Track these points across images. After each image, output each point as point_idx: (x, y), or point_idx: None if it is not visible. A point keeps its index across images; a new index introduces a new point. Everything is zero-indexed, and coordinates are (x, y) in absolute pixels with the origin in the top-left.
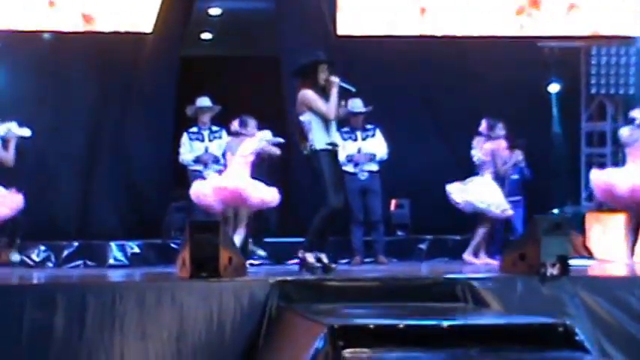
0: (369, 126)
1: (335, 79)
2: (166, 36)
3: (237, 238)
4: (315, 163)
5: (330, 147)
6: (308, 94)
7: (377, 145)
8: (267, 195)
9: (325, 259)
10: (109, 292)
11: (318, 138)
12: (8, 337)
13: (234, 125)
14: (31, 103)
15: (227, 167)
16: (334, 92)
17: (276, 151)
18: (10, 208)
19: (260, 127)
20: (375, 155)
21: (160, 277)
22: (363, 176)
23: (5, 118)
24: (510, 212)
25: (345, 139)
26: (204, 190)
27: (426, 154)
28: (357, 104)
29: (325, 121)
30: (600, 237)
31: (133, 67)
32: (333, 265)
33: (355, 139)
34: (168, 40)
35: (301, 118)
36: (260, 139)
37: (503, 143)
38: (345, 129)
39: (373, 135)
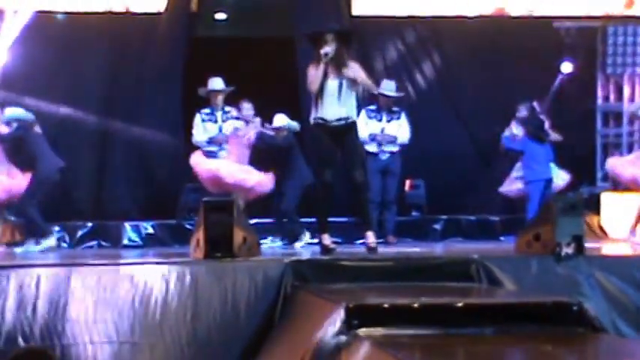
0: (395, 109)
1: (322, 51)
2: (178, 16)
3: None
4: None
5: (319, 121)
6: (309, 67)
7: (401, 129)
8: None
9: (371, 238)
10: (123, 272)
11: (312, 112)
12: (24, 318)
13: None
14: (43, 84)
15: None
16: (320, 65)
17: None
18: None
19: (275, 109)
20: (396, 138)
21: (174, 257)
22: (384, 156)
23: (18, 99)
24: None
25: (370, 118)
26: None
27: (441, 134)
28: (389, 87)
29: (316, 95)
30: (615, 217)
31: (145, 47)
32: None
33: (380, 120)
34: (180, 20)
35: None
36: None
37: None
38: (372, 107)
39: (398, 118)
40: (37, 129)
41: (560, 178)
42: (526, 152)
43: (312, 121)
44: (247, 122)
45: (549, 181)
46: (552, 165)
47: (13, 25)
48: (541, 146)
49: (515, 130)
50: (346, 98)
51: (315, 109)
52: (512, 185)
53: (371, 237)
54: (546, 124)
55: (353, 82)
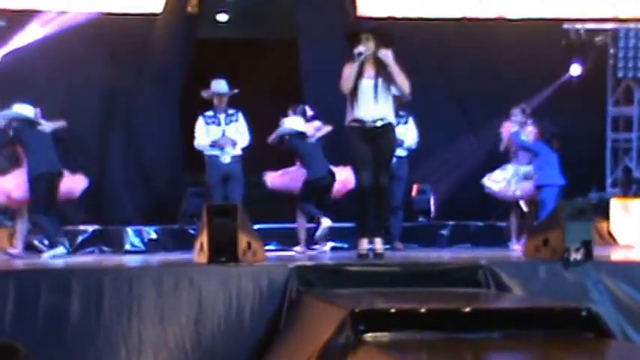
0: (402, 113)
1: (355, 50)
2: (176, 17)
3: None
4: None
5: (353, 124)
6: (345, 66)
7: (408, 133)
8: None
9: (379, 244)
10: (126, 276)
11: (347, 114)
12: (24, 322)
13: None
14: (42, 85)
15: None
16: (354, 64)
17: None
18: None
19: (277, 111)
20: (403, 142)
21: (178, 262)
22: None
23: (16, 100)
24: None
25: None
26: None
27: (449, 139)
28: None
29: (351, 95)
30: (625, 223)
31: (144, 49)
32: (382, 251)
33: None
34: (179, 21)
35: None
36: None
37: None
38: None
39: (405, 122)
40: (42, 127)
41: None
42: (541, 155)
43: (347, 123)
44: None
45: (562, 187)
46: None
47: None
48: (554, 152)
49: (528, 131)
50: (383, 99)
51: (351, 109)
52: (496, 185)
53: (378, 243)
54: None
55: (388, 80)
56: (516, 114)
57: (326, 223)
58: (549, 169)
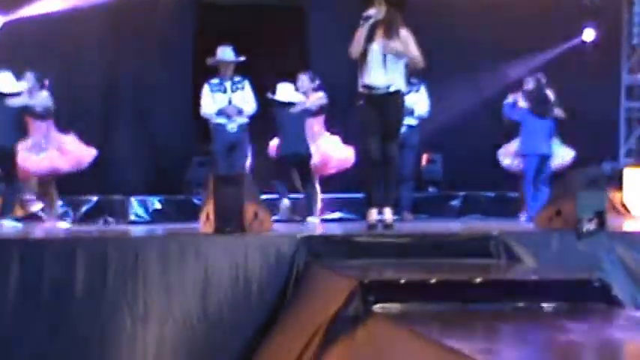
0: (414, 80)
1: (364, 14)
2: None
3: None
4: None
5: (362, 90)
6: (357, 30)
7: (419, 101)
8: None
9: (388, 214)
10: (131, 247)
11: (358, 80)
12: (29, 293)
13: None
14: (45, 54)
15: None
16: (361, 29)
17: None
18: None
19: (284, 79)
20: (413, 111)
21: (183, 232)
22: (402, 130)
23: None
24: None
25: None
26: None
27: (460, 107)
28: None
29: (360, 61)
30: (638, 193)
31: (151, 17)
32: (391, 222)
33: None
34: None
35: None
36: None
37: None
38: None
39: (417, 90)
40: (9, 101)
41: (565, 155)
42: (524, 125)
43: (358, 88)
44: (306, 94)
45: (546, 157)
46: (556, 142)
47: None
48: (541, 121)
49: (521, 102)
50: (392, 65)
51: (361, 75)
52: (514, 160)
53: (388, 213)
54: (552, 98)
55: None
56: (528, 82)
57: (285, 203)
58: (532, 138)
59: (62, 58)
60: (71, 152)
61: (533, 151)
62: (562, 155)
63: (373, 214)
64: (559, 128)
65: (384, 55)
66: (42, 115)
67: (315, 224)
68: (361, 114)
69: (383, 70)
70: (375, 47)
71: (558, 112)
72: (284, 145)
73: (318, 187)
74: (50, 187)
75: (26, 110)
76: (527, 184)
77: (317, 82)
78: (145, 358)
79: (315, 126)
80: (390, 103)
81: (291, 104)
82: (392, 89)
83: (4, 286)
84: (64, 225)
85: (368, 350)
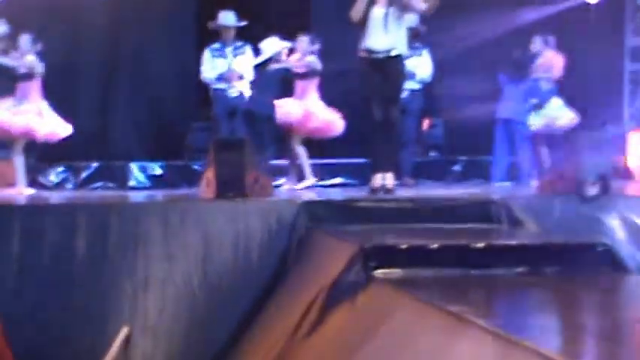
0: (417, 44)
1: None
2: None
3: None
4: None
5: (363, 54)
6: None
7: (421, 65)
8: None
9: (389, 180)
10: (132, 212)
11: (359, 44)
12: (30, 259)
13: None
14: (44, 17)
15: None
16: None
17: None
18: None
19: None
20: (415, 75)
21: (184, 197)
22: (404, 94)
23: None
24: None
25: None
26: (294, 114)
27: (460, 70)
28: (408, 19)
29: (361, 24)
30: None
31: None
32: (392, 187)
33: None
34: None
35: None
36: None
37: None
38: None
39: (420, 54)
40: None
41: (566, 117)
42: (503, 88)
43: (359, 52)
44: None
45: (513, 122)
46: (559, 103)
47: None
48: (515, 86)
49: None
50: (394, 28)
51: (362, 39)
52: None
53: (389, 178)
54: (538, 62)
55: (402, 8)
56: (535, 41)
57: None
58: (503, 103)
59: (63, 23)
60: (49, 119)
61: (500, 116)
62: (568, 117)
63: (378, 179)
64: (560, 90)
65: (386, 19)
66: (24, 77)
67: (307, 188)
68: (362, 78)
69: (384, 34)
70: (377, 11)
71: (538, 73)
72: (251, 101)
73: (300, 149)
74: (17, 152)
75: (9, 70)
76: (499, 149)
77: (317, 45)
78: (146, 324)
79: (305, 88)
80: (392, 67)
81: (270, 60)
82: (393, 53)
83: (5, 252)
84: (28, 191)
85: (369, 315)
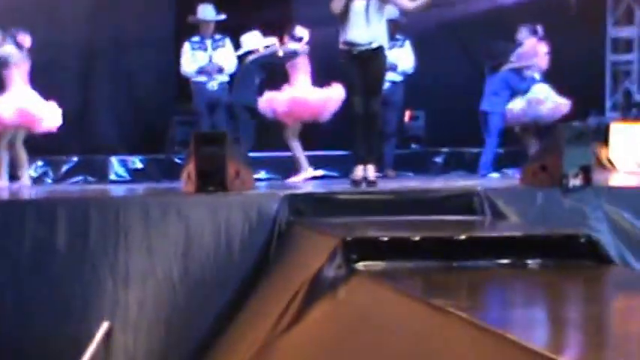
0: (399, 36)
1: None
2: None
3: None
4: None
5: (343, 47)
6: None
7: (403, 57)
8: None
9: (371, 171)
10: (113, 207)
11: (340, 37)
12: (9, 253)
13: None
14: (26, 12)
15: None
16: None
17: None
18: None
19: (266, 36)
20: (396, 67)
21: (165, 191)
22: (385, 86)
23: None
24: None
25: None
26: (279, 105)
27: (442, 62)
28: (389, 11)
29: (342, 17)
30: (625, 148)
31: None
32: (374, 179)
33: None
34: None
35: None
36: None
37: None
38: None
39: (401, 46)
40: None
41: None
42: (487, 81)
43: (339, 45)
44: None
45: (487, 113)
46: (544, 89)
47: None
48: (490, 77)
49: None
50: (374, 21)
51: (343, 31)
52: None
53: (370, 170)
54: (519, 50)
55: (382, 2)
56: (522, 31)
57: None
58: (486, 96)
59: (40, 15)
60: (26, 111)
61: (481, 108)
62: (561, 104)
63: (359, 171)
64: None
65: (367, 11)
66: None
67: (306, 180)
68: (343, 71)
69: (365, 27)
70: (357, 3)
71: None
72: (233, 94)
73: (293, 142)
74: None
75: None
76: (491, 144)
77: (302, 35)
78: (126, 318)
79: (292, 73)
80: (373, 59)
81: (249, 53)
82: (374, 45)
83: None
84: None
85: (351, 309)
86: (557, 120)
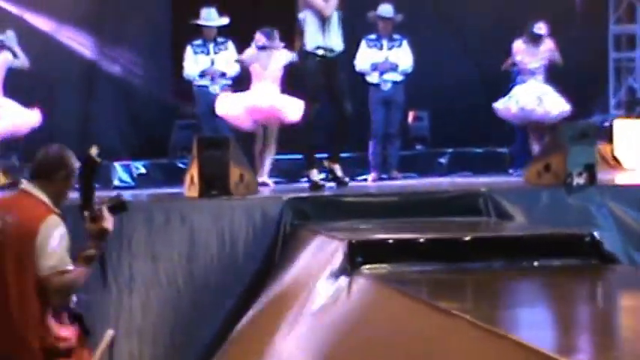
0: (396, 36)
1: None
2: None
3: (270, 155)
4: (301, 66)
5: (320, 51)
6: None
7: (402, 56)
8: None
9: (339, 172)
10: None
11: (311, 38)
12: None
13: (261, 39)
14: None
15: (255, 82)
16: None
17: None
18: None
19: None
20: (397, 66)
21: (168, 196)
22: (386, 87)
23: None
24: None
25: (369, 47)
26: (234, 109)
27: (446, 62)
28: (386, 9)
29: (323, 20)
30: (629, 146)
31: None
32: (346, 179)
33: (381, 48)
34: None
35: (299, 15)
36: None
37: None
38: (371, 36)
39: (400, 45)
40: None
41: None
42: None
43: (310, 47)
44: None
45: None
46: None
47: None
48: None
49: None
50: (336, 27)
51: (322, 35)
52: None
53: (339, 170)
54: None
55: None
56: (541, 27)
57: None
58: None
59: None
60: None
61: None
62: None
63: (315, 174)
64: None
65: (334, 19)
66: None
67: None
68: (311, 75)
69: (329, 33)
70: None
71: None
72: None
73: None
74: None
75: None
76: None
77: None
78: (131, 324)
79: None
80: (336, 65)
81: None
82: (336, 50)
83: None
84: None
85: (356, 311)
86: (560, 119)
